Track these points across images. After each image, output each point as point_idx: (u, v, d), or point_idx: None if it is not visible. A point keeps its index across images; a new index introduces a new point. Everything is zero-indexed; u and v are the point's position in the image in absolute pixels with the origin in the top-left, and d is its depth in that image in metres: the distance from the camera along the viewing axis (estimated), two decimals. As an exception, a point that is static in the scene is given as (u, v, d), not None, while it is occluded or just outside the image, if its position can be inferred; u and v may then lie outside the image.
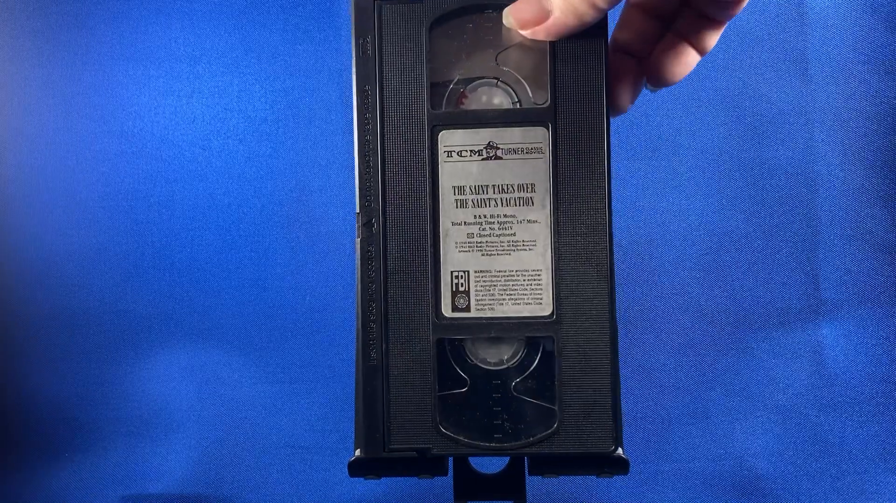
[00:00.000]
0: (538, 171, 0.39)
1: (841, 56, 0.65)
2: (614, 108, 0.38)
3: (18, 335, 0.70)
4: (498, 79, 0.39)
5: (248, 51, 0.69)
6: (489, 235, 0.42)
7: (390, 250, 0.41)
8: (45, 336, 0.69)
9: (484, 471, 0.49)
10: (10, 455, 0.70)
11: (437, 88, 0.39)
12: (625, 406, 0.51)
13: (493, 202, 0.41)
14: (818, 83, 0.65)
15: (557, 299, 0.45)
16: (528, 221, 0.41)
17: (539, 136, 0.39)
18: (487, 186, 0.41)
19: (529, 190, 0.41)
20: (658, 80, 0.39)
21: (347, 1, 0.68)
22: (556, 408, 0.47)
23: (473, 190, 0.41)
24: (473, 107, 0.39)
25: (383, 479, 0.48)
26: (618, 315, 0.50)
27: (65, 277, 0.69)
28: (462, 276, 0.43)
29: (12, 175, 0.70)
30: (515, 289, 0.43)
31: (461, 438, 0.45)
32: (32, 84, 0.70)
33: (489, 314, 0.43)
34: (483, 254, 0.42)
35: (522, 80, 0.39)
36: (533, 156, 0.39)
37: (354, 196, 0.67)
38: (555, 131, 0.38)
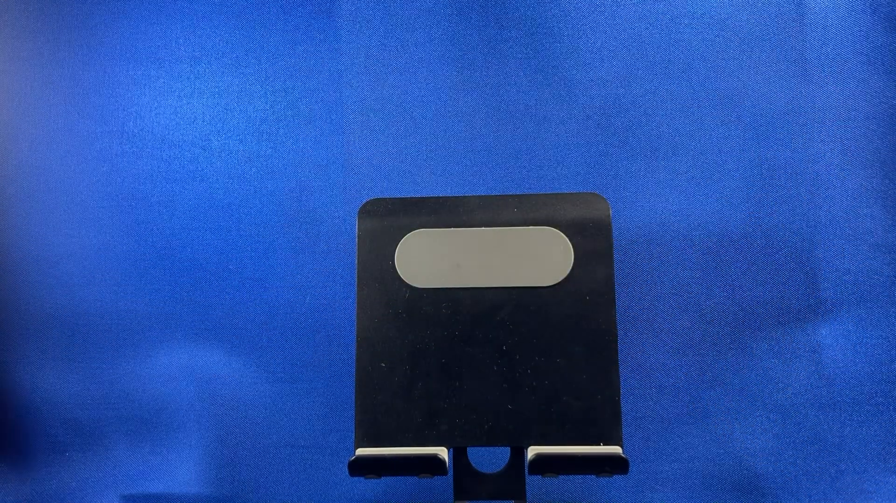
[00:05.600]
0: None
1: (840, 56, 0.65)
2: None
3: (18, 335, 0.70)
4: None
5: (248, 51, 0.69)
6: None
7: None
8: (48, 335, 0.69)
9: (484, 470, 0.50)
10: (11, 455, 0.70)
11: None
12: (625, 406, 0.51)
13: None
14: (818, 83, 0.65)
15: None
16: None
17: None
18: None
19: None
20: None
21: (347, 2, 0.68)
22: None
23: None
24: None
25: (383, 479, 0.49)
26: (618, 315, 0.50)
27: (65, 277, 0.69)
28: None
29: (13, 175, 0.70)
30: None
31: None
32: (33, 84, 0.70)
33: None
34: None
35: None
36: None
37: (354, 195, 0.68)
38: None
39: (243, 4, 0.69)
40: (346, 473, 0.47)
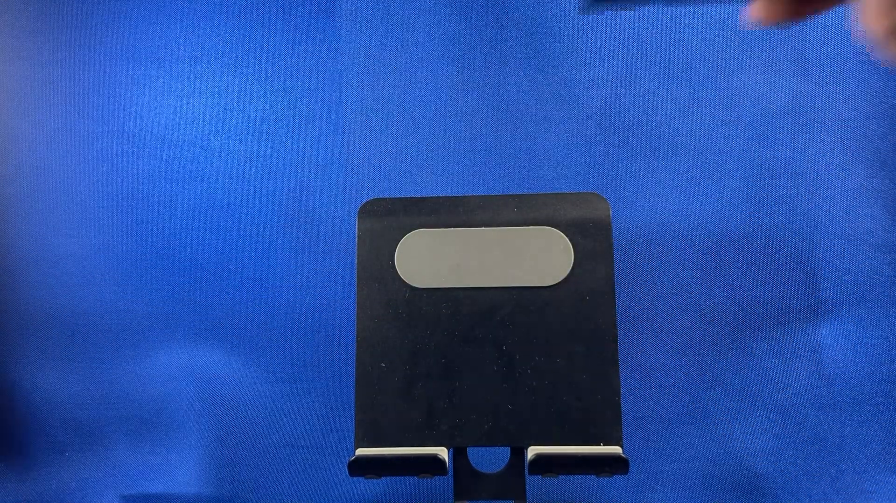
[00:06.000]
0: None
1: (841, 56, 0.65)
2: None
3: (20, 334, 0.70)
4: None
5: (248, 51, 0.69)
6: None
7: None
8: (48, 335, 0.69)
9: (484, 470, 0.50)
10: (13, 453, 0.70)
11: None
12: (625, 406, 0.51)
13: None
14: (818, 83, 0.65)
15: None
16: None
17: None
18: None
19: None
20: None
21: (347, 2, 0.68)
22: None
23: None
24: None
25: (383, 479, 0.49)
26: (618, 315, 0.50)
27: (65, 277, 0.69)
28: None
29: (12, 175, 0.70)
30: None
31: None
32: (33, 84, 0.70)
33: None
34: None
35: None
36: None
37: (354, 195, 0.68)
38: None
39: (243, 4, 0.69)
40: (346, 473, 0.47)
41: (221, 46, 0.69)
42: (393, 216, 0.51)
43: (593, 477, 0.47)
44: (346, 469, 0.47)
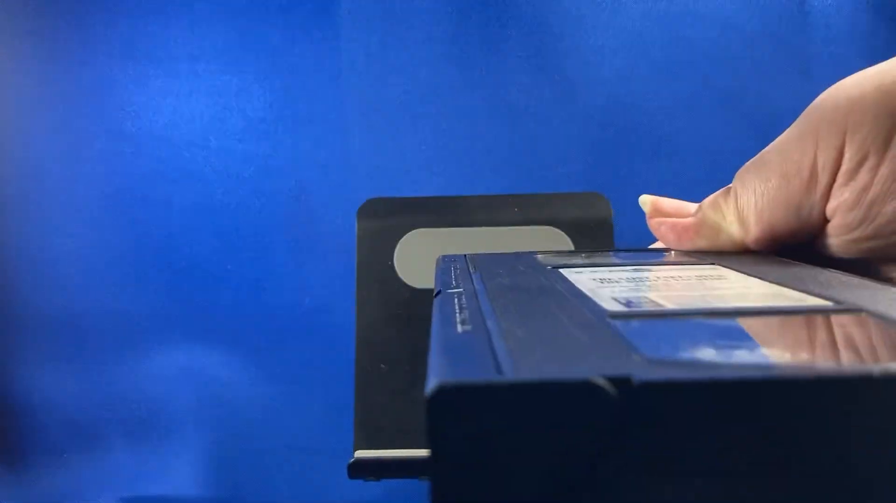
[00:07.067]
0: None
1: (842, 56, 0.65)
2: None
3: (18, 335, 0.70)
4: None
5: (248, 50, 0.69)
6: None
7: None
8: (45, 336, 0.69)
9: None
10: (11, 455, 0.70)
11: None
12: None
13: None
14: (819, 83, 0.64)
15: None
16: None
17: None
18: None
19: None
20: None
21: (347, 2, 0.68)
22: None
23: None
24: None
25: (382, 481, 0.48)
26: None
27: (64, 277, 0.69)
28: None
29: (10, 175, 0.70)
30: None
31: None
32: (31, 83, 0.70)
33: None
34: None
35: None
36: None
37: (354, 195, 0.67)
38: None
39: (242, 3, 0.69)
40: (346, 475, 0.47)
41: (220, 45, 0.69)
42: (392, 216, 0.51)
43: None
44: (346, 471, 0.47)
